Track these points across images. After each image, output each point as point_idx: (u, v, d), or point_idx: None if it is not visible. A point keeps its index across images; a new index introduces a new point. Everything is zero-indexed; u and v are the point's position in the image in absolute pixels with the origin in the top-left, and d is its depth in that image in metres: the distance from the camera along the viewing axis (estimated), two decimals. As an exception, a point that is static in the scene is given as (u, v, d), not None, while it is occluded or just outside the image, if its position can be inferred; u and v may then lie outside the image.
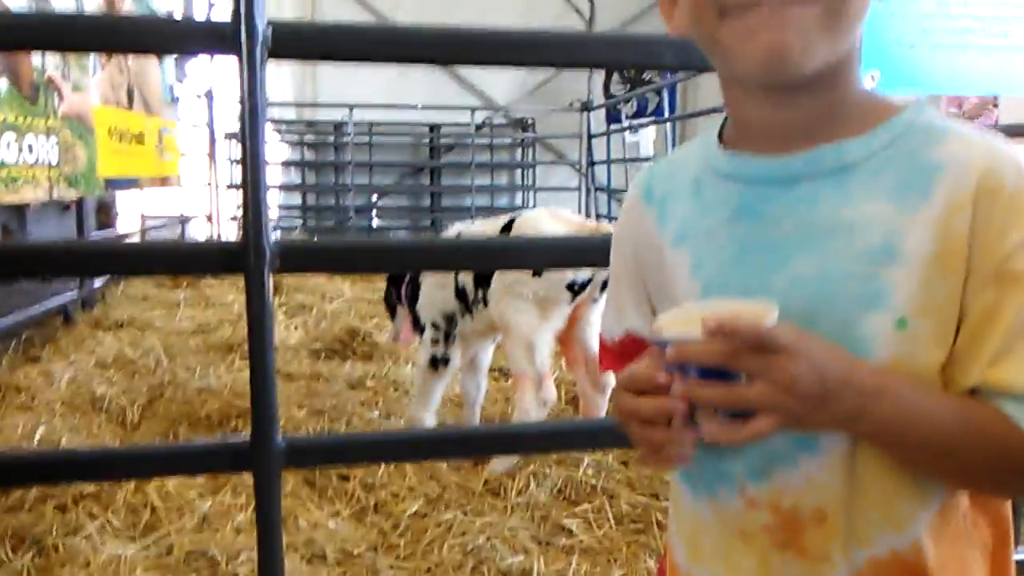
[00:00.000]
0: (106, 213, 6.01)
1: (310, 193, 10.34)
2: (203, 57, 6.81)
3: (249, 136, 1.46)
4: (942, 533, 0.74)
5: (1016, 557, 0.80)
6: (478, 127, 9.67)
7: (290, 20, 1.56)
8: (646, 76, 9.34)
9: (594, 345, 3.02)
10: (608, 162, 8.83)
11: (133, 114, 5.73)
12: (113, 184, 5.36)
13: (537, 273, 2.73)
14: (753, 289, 0.75)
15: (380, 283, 4.16)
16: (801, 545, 0.75)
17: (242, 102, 1.45)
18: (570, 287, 2.79)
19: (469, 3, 9.38)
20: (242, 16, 1.41)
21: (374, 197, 10.28)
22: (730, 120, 0.83)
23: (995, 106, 4.83)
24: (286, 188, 10.08)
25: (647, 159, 8.28)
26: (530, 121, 10.17)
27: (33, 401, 3.46)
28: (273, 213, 9.45)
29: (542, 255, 1.82)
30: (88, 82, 4.88)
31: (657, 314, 0.87)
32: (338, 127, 9.62)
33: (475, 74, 9.89)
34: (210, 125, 8.21)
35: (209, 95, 8.12)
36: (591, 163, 8.53)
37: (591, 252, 1.75)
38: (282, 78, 9.34)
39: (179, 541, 2.30)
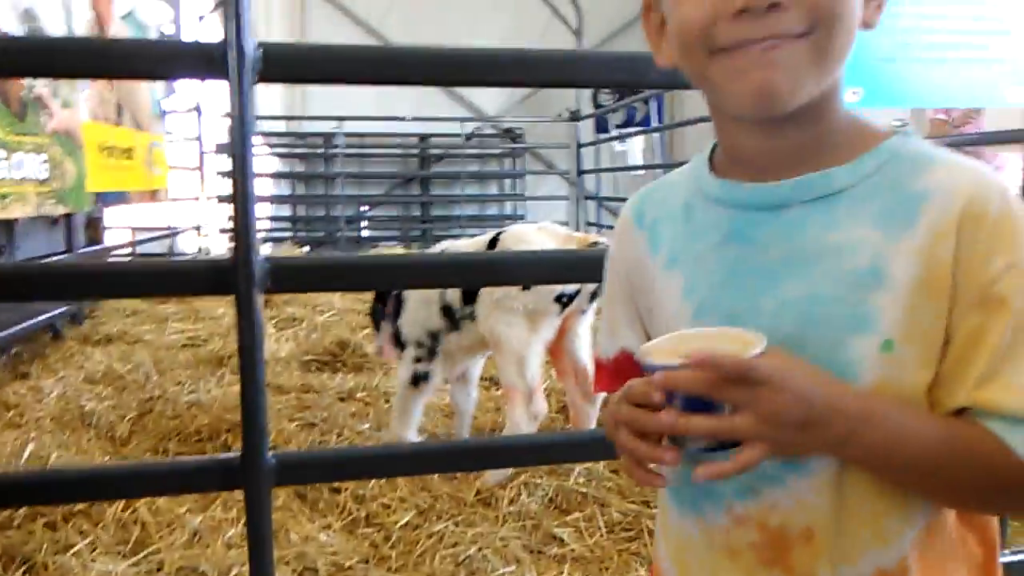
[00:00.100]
0: (95, 228, 6.00)
1: (300, 204, 10.35)
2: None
3: (238, 156, 1.47)
4: (929, 550, 0.75)
5: (1003, 560, 0.81)
6: (467, 137, 9.71)
7: (280, 42, 1.56)
8: (634, 86, 9.39)
9: (583, 356, 3.04)
10: (597, 171, 8.88)
11: (122, 129, 5.73)
12: (102, 199, 5.35)
13: (526, 287, 2.74)
14: (742, 312, 0.76)
15: (370, 294, 4.16)
16: (788, 563, 0.76)
17: (231, 127, 1.45)
18: (558, 299, 2.81)
19: (459, 14, 9.45)
20: (231, 39, 1.42)
21: (364, 208, 10.29)
22: (720, 146, 0.85)
23: (978, 114, 4.87)
24: (276, 200, 10.08)
25: (636, 168, 8.33)
26: (519, 131, 10.21)
27: (22, 418, 3.44)
28: (263, 225, 9.43)
29: (533, 270, 1.84)
30: (77, 98, 4.88)
31: (650, 335, 0.88)
32: (327, 138, 9.64)
33: (464, 85, 9.93)
34: (199, 139, 8.21)
35: (198, 109, 8.12)
36: (580, 172, 8.57)
37: (581, 266, 1.78)
38: (271, 91, 9.35)
39: (170, 557, 2.29)
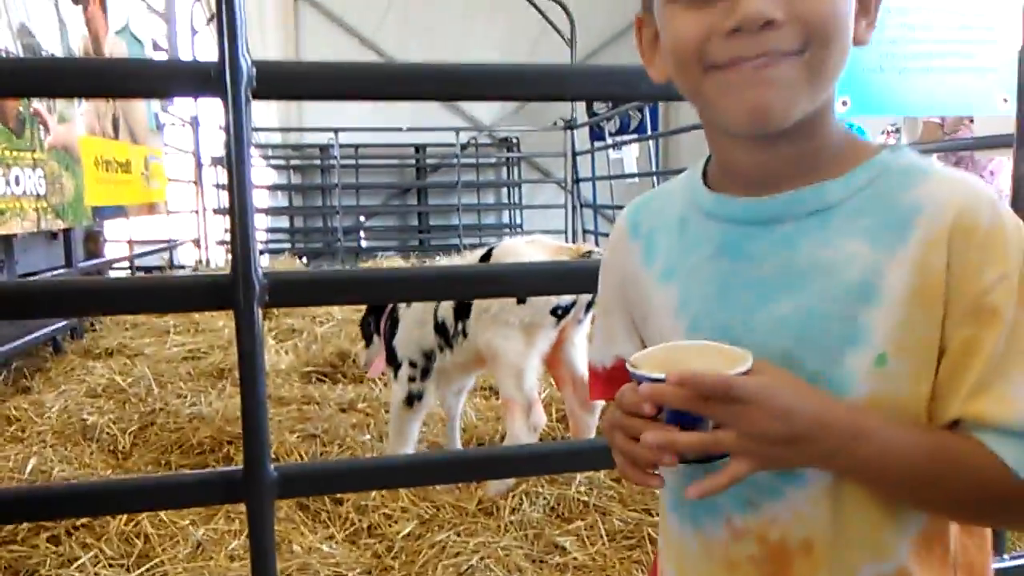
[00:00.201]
0: (94, 242, 6.02)
1: (298, 216, 10.37)
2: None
3: (235, 172, 1.49)
4: (927, 558, 0.76)
5: (1003, 565, 0.82)
6: (463, 147, 9.73)
7: (274, 60, 1.59)
8: (628, 93, 9.41)
9: (581, 365, 3.05)
10: (593, 179, 8.90)
11: (119, 143, 5.76)
12: (101, 213, 5.37)
13: (521, 300, 2.74)
14: (736, 327, 0.77)
15: (368, 305, 4.17)
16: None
17: (227, 144, 1.47)
18: (554, 312, 2.82)
19: (452, 23, 9.49)
20: (226, 57, 1.43)
21: (362, 218, 10.31)
22: (714, 160, 0.86)
23: (971, 121, 4.91)
24: (274, 212, 10.10)
25: (631, 175, 8.36)
26: (515, 140, 10.25)
27: (24, 432, 3.45)
28: (260, 237, 9.45)
29: (531, 281, 1.86)
30: (74, 113, 4.90)
31: (645, 343, 0.89)
32: (324, 149, 9.67)
33: (459, 94, 9.95)
34: (196, 152, 8.24)
35: (194, 122, 8.15)
36: (576, 180, 8.60)
37: (578, 276, 1.81)
38: (268, 103, 9.37)
39: (173, 570, 2.30)
